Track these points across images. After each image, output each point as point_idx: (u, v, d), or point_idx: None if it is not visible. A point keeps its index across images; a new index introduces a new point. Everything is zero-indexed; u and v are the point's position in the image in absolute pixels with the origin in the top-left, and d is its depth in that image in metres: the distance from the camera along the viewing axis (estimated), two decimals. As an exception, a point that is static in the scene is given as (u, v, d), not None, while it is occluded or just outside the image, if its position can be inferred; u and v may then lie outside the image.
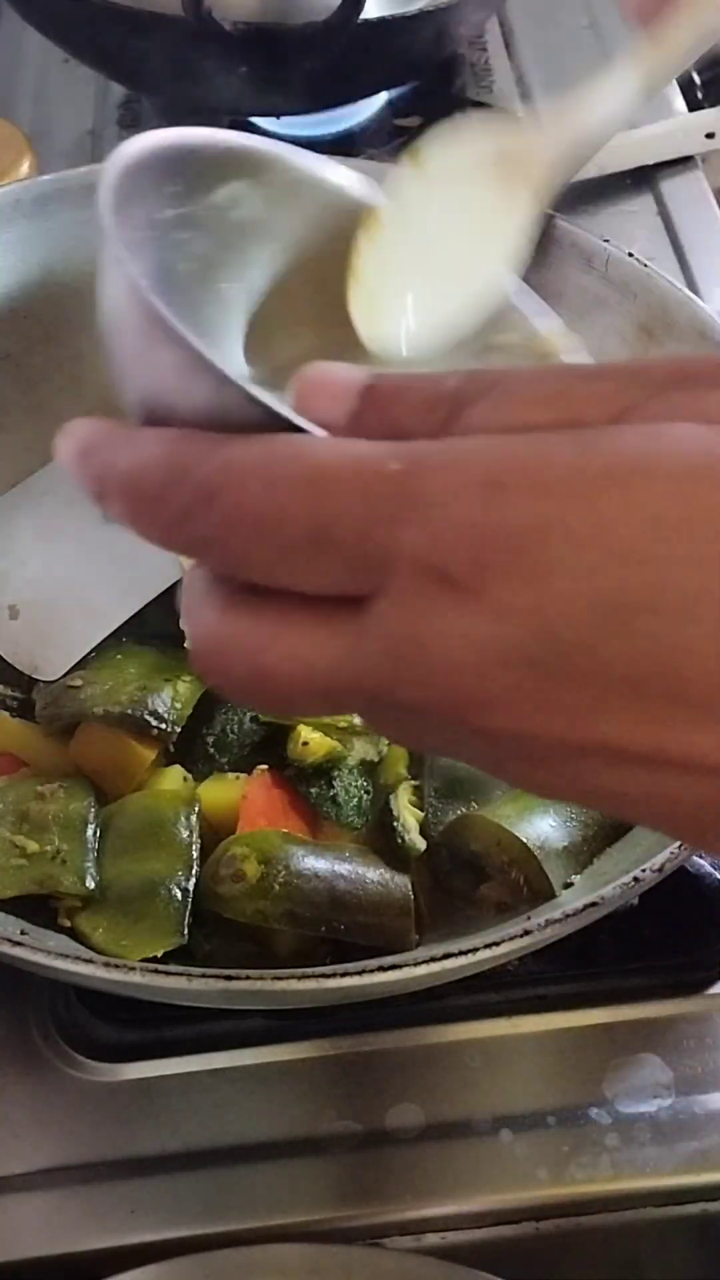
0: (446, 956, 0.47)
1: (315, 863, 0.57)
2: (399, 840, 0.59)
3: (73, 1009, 0.59)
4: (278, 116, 0.98)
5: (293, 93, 0.92)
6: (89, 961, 0.48)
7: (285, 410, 0.32)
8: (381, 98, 1.04)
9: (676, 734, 0.28)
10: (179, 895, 0.56)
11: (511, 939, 0.48)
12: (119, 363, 0.37)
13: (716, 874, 0.63)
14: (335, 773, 0.61)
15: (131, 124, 1.04)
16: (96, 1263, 0.53)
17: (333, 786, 0.60)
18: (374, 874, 0.57)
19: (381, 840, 0.60)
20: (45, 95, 1.07)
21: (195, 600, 0.33)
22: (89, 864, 0.57)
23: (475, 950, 0.47)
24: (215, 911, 0.56)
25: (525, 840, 0.57)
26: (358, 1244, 0.54)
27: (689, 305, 0.69)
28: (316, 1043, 0.58)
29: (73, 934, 0.56)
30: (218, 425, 0.32)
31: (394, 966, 0.47)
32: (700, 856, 0.63)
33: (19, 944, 0.48)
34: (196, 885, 0.57)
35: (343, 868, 0.57)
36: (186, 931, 0.55)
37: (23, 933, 0.51)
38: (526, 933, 0.48)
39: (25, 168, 0.89)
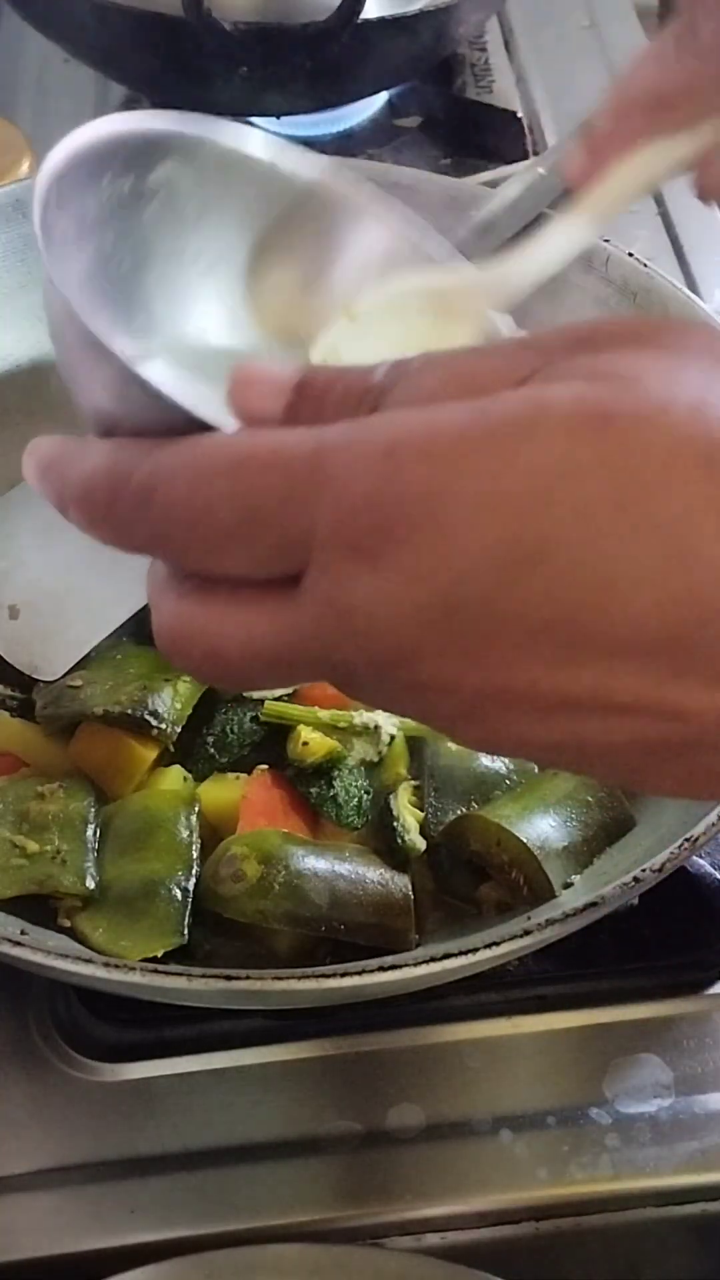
0: (446, 956, 0.47)
1: (315, 863, 0.57)
2: (399, 840, 0.59)
3: (73, 1009, 0.59)
4: (278, 116, 0.98)
5: (293, 93, 0.92)
6: (89, 961, 0.48)
7: (210, 413, 0.34)
8: (381, 98, 1.04)
9: (585, 677, 0.30)
10: (179, 895, 0.56)
11: (511, 939, 0.48)
12: (66, 377, 0.38)
13: (716, 874, 0.63)
14: (335, 773, 0.61)
15: (131, 124, 1.04)
16: (96, 1263, 0.53)
17: (333, 786, 0.60)
18: (374, 874, 0.57)
19: (381, 840, 0.60)
20: (45, 95, 1.07)
21: (155, 592, 0.36)
22: (89, 864, 0.57)
23: (475, 950, 0.47)
24: (215, 911, 0.56)
25: (525, 840, 0.57)
26: (358, 1244, 0.54)
27: (689, 305, 0.69)
28: (316, 1043, 0.58)
29: (72, 934, 0.56)
30: (154, 431, 0.34)
31: (394, 966, 0.47)
32: (700, 856, 0.63)
33: (19, 944, 0.48)
34: (196, 885, 0.57)
35: (343, 868, 0.57)
36: (186, 931, 0.55)
37: (23, 933, 0.51)
38: (526, 933, 0.48)
39: (25, 168, 0.89)
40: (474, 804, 0.61)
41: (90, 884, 0.56)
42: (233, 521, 0.32)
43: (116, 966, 0.47)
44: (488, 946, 0.47)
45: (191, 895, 0.56)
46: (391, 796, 0.61)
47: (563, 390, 0.30)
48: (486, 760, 0.62)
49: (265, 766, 0.61)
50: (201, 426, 0.34)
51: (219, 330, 0.55)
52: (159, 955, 0.54)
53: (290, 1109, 0.57)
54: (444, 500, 0.30)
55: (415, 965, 0.47)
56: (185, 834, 0.58)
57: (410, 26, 0.90)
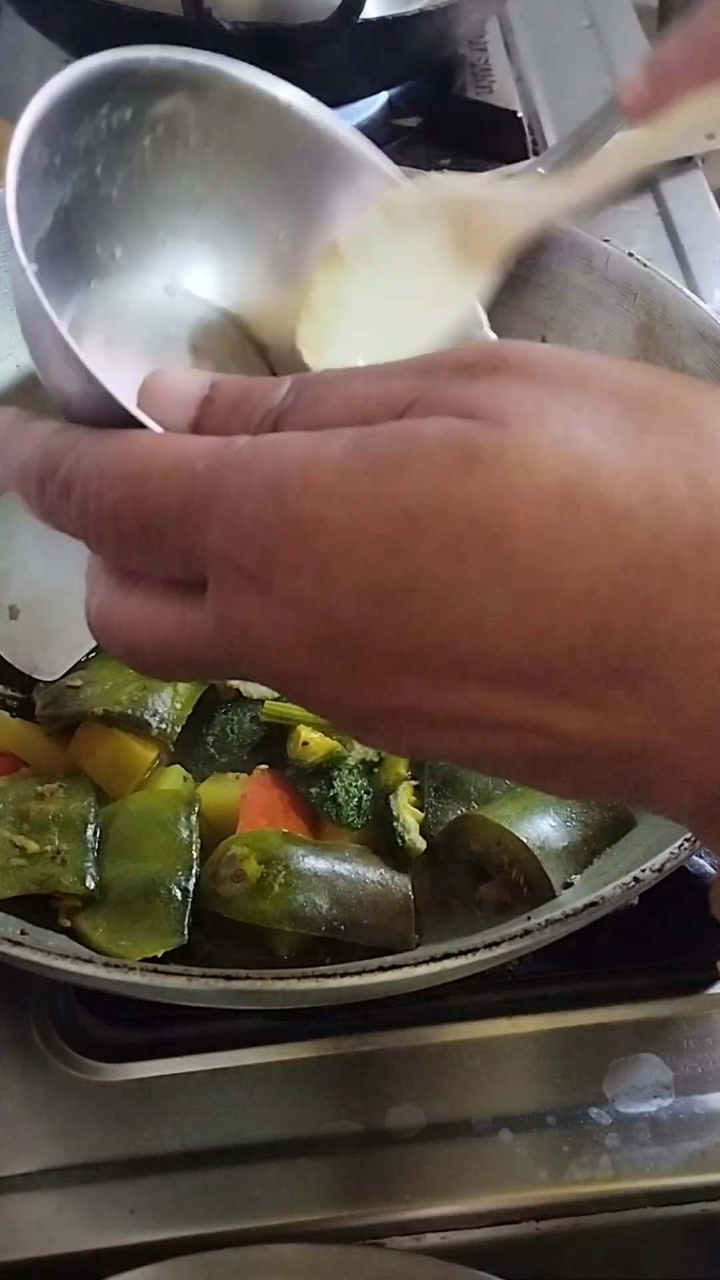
0: (446, 956, 0.47)
1: (315, 863, 0.57)
2: (399, 840, 0.59)
3: (73, 1009, 0.59)
4: (278, 116, 0.98)
5: (292, 93, 0.92)
6: (89, 961, 0.48)
7: (134, 408, 0.35)
8: (381, 98, 1.04)
9: (468, 697, 0.32)
10: (179, 895, 0.56)
11: (511, 939, 0.48)
12: (29, 350, 0.39)
13: (716, 874, 0.63)
14: (335, 773, 0.61)
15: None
16: (96, 1263, 0.53)
17: (333, 786, 0.60)
18: (374, 874, 0.57)
19: (381, 840, 0.60)
20: (45, 95, 1.07)
21: (89, 576, 0.37)
22: (89, 864, 0.57)
23: (475, 950, 0.47)
24: (216, 912, 0.56)
25: (525, 840, 0.57)
26: (358, 1244, 0.54)
27: (689, 305, 0.69)
28: (316, 1043, 0.58)
29: (72, 934, 0.56)
30: (95, 416, 0.36)
31: (394, 966, 0.47)
32: (700, 856, 0.63)
33: (19, 944, 0.48)
34: (196, 885, 0.57)
35: (343, 868, 0.57)
36: (186, 932, 0.55)
37: (23, 933, 0.51)
38: (527, 933, 0.48)
39: (25, 168, 0.89)
40: (474, 804, 0.61)
41: (90, 884, 0.56)
42: (134, 529, 0.34)
43: (116, 966, 0.47)
44: (488, 947, 0.47)
45: (191, 895, 0.56)
46: (391, 796, 0.61)
47: (434, 427, 0.31)
48: None
49: (265, 766, 0.61)
50: (132, 421, 0.35)
51: (203, 272, 0.54)
52: (159, 955, 0.54)
53: (290, 1109, 0.57)
54: (322, 531, 0.31)
55: (415, 965, 0.47)
56: (185, 834, 0.58)
57: (410, 26, 0.90)
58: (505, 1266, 0.52)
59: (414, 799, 0.61)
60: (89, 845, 0.58)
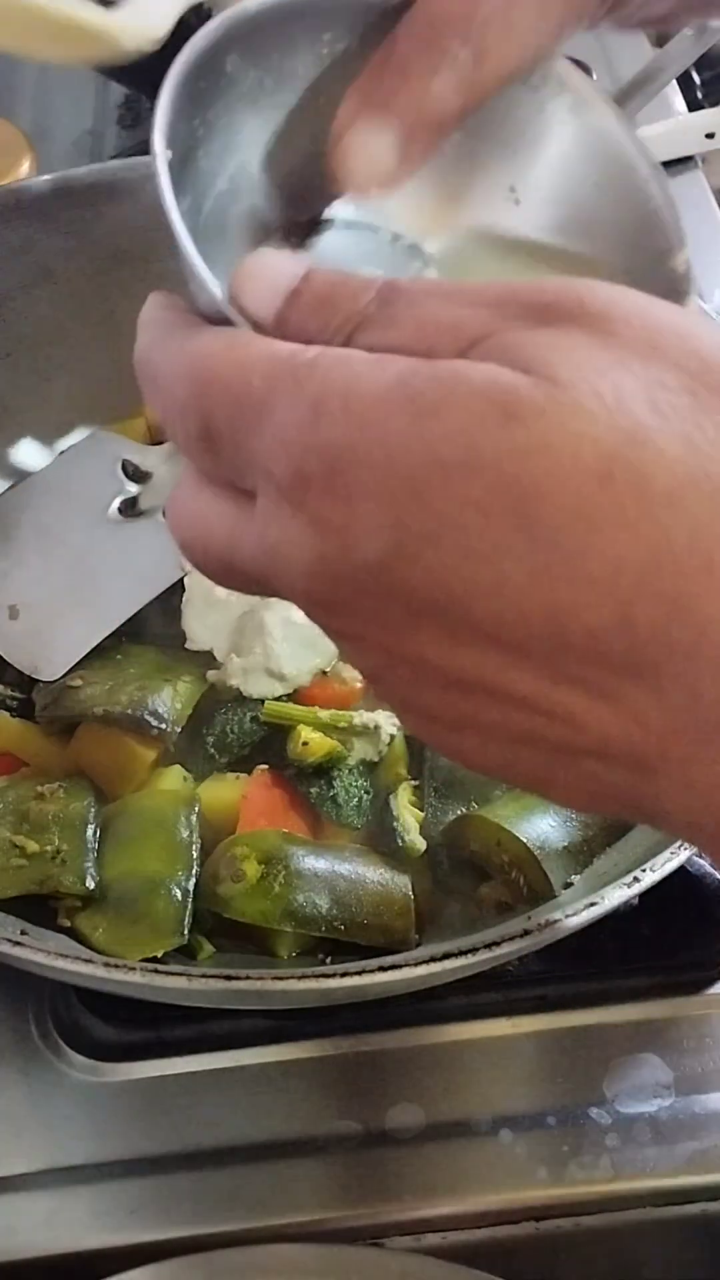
0: (446, 956, 0.47)
1: (315, 863, 0.57)
2: (399, 840, 0.59)
3: (73, 1009, 0.59)
4: (278, 116, 0.98)
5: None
6: (89, 961, 0.48)
7: (224, 303, 0.35)
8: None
9: (483, 662, 0.30)
10: (179, 895, 0.56)
11: (511, 939, 0.48)
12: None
13: (716, 874, 0.63)
14: (335, 773, 0.61)
15: (132, 124, 1.04)
16: (96, 1263, 0.53)
17: (333, 786, 0.60)
18: (374, 874, 0.57)
19: (382, 840, 0.60)
20: (45, 95, 1.07)
21: (184, 468, 0.37)
22: (89, 864, 0.57)
23: (475, 950, 0.47)
24: (216, 912, 0.56)
25: (525, 840, 0.57)
26: (358, 1244, 0.54)
27: (691, 306, 0.69)
28: (316, 1043, 0.58)
29: (72, 934, 0.56)
30: (202, 309, 0.36)
31: (394, 966, 0.47)
32: (700, 856, 0.63)
33: (19, 944, 0.48)
34: (196, 885, 0.57)
35: (343, 868, 0.57)
36: (186, 932, 0.55)
37: (23, 932, 0.51)
38: (526, 933, 0.48)
39: (25, 168, 0.89)
40: (474, 804, 0.61)
41: (90, 884, 0.56)
42: (198, 433, 0.33)
43: (116, 966, 0.47)
44: (487, 947, 0.47)
45: (191, 896, 0.56)
46: (391, 796, 0.61)
47: (481, 374, 0.30)
48: None
49: (265, 766, 0.61)
50: (223, 319, 0.35)
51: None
52: (159, 955, 0.54)
53: (290, 1109, 0.57)
54: (353, 462, 0.30)
55: (415, 965, 0.47)
56: (185, 834, 0.58)
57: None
58: (505, 1266, 0.52)
59: (414, 799, 0.61)
60: (89, 845, 0.58)
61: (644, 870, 0.50)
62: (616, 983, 0.61)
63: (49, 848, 0.57)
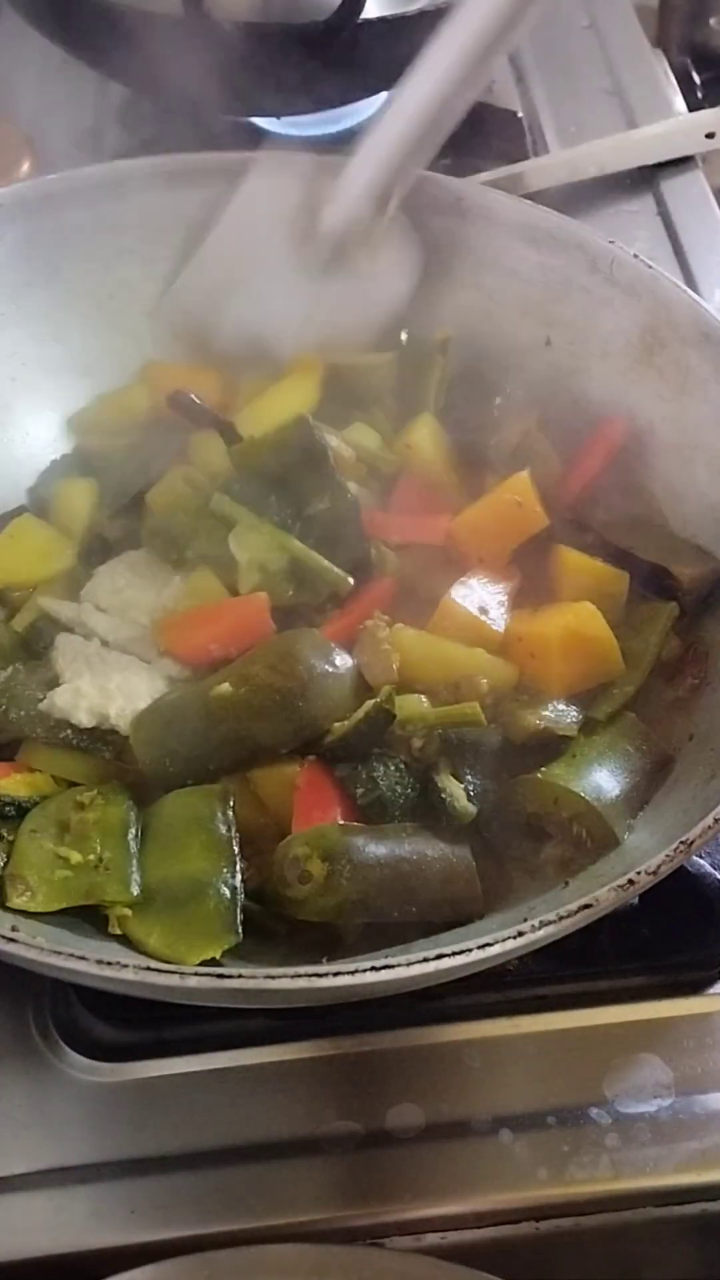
0: (440, 957, 0.47)
1: (377, 850, 0.57)
2: (450, 809, 0.59)
3: (73, 1009, 0.59)
4: (278, 116, 0.98)
5: (293, 93, 0.92)
6: (82, 958, 0.48)
7: None
8: (381, 98, 1.03)
9: None
10: (227, 894, 0.55)
11: (505, 940, 0.48)
12: None
13: (716, 874, 0.63)
14: (378, 770, 0.60)
15: (132, 124, 1.04)
16: (96, 1263, 0.53)
17: (378, 786, 0.60)
18: (435, 850, 0.58)
19: (424, 816, 0.60)
20: (45, 95, 1.07)
21: None
22: (132, 870, 0.56)
23: (469, 951, 0.47)
24: (288, 914, 0.56)
25: (583, 795, 0.58)
26: (358, 1244, 0.54)
27: (694, 307, 0.69)
28: (316, 1043, 0.58)
29: (126, 942, 0.56)
30: None
31: (387, 967, 0.47)
32: (700, 856, 0.63)
33: (12, 940, 0.48)
34: (262, 890, 0.57)
35: (404, 849, 0.57)
36: (240, 929, 0.55)
37: (14, 929, 0.51)
38: (520, 934, 0.48)
39: (25, 168, 0.90)
40: (504, 774, 0.61)
41: (135, 890, 0.56)
42: None
43: (109, 964, 0.47)
44: (481, 947, 0.47)
45: (240, 892, 0.56)
46: (433, 771, 0.61)
47: None
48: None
49: (313, 757, 0.61)
50: None
51: None
52: (217, 956, 0.54)
53: (290, 1109, 0.57)
54: None
55: (409, 965, 0.47)
56: (223, 830, 0.57)
57: (410, 26, 0.89)
58: (505, 1266, 0.52)
59: (453, 771, 0.61)
60: (130, 850, 0.57)
61: (639, 873, 0.50)
62: (616, 983, 0.61)
63: (91, 856, 0.57)
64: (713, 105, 1.04)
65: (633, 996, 0.61)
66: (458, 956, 0.47)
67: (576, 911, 0.49)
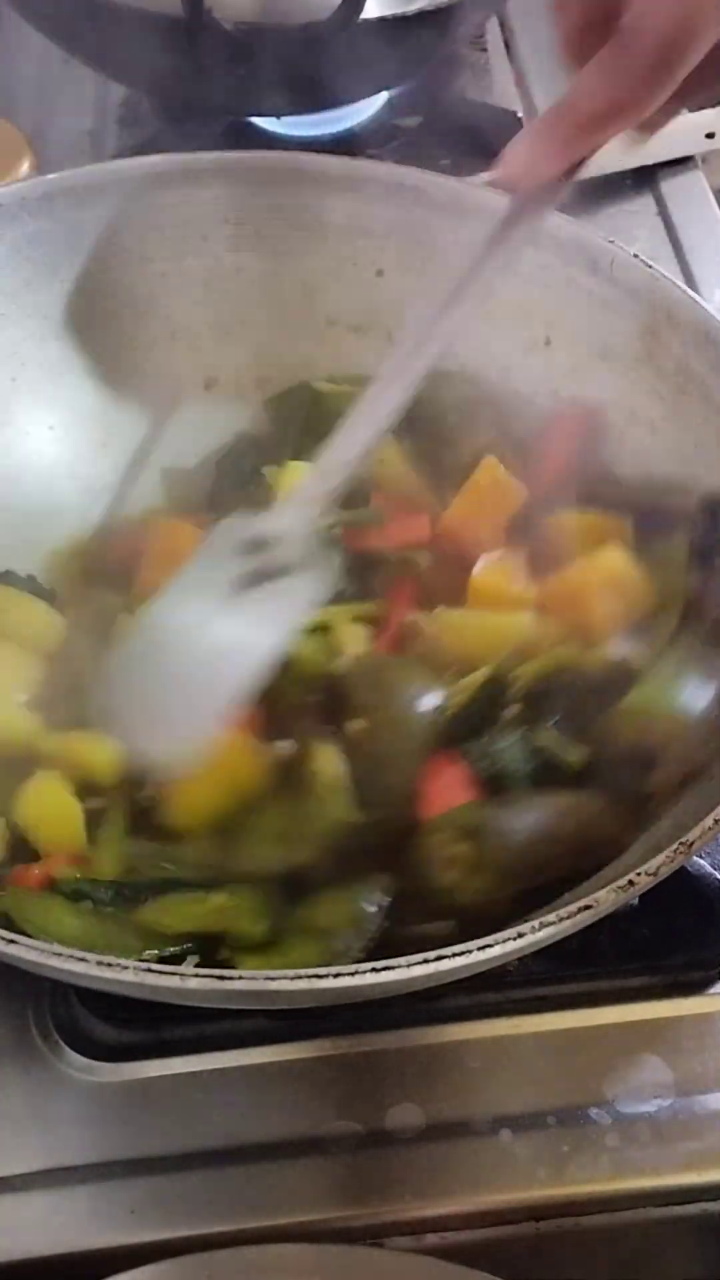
0: (440, 958, 0.47)
1: (516, 819, 0.57)
2: (559, 760, 0.60)
3: (73, 1009, 0.59)
4: (278, 116, 0.98)
5: (293, 93, 0.92)
6: (82, 960, 0.48)
7: None
8: (381, 98, 1.04)
9: None
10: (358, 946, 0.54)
11: (505, 941, 0.48)
12: None
13: (716, 874, 0.63)
14: (498, 744, 0.61)
15: (132, 124, 1.04)
16: (96, 1263, 0.53)
17: (498, 760, 0.60)
18: (564, 801, 0.58)
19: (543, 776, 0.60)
20: (45, 95, 1.07)
21: None
22: (267, 919, 0.55)
23: (469, 952, 0.47)
24: (443, 907, 0.56)
25: (673, 710, 0.59)
26: (358, 1244, 0.54)
27: (694, 308, 0.69)
28: (316, 1043, 0.58)
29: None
30: None
31: (387, 968, 0.47)
32: (700, 856, 0.63)
33: (12, 941, 0.48)
34: (414, 883, 0.57)
35: (540, 812, 0.58)
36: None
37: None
38: (520, 935, 0.48)
39: (25, 168, 0.90)
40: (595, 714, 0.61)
41: (262, 927, 0.55)
42: None
43: (109, 965, 0.47)
44: (481, 949, 0.47)
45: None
46: (531, 730, 0.61)
47: None
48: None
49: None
50: None
51: None
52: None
53: (290, 1109, 0.57)
54: None
55: (408, 967, 0.47)
56: (371, 910, 0.56)
57: (410, 26, 0.89)
58: (505, 1266, 0.52)
59: (550, 726, 0.61)
60: (274, 902, 0.56)
61: (639, 874, 0.50)
62: (616, 983, 0.61)
63: (236, 900, 0.56)
64: (713, 105, 1.04)
65: (633, 996, 0.61)
66: (458, 958, 0.47)
67: (577, 912, 0.48)
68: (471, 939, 0.47)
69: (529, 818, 0.58)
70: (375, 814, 0.60)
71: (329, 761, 0.61)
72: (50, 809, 0.61)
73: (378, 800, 0.60)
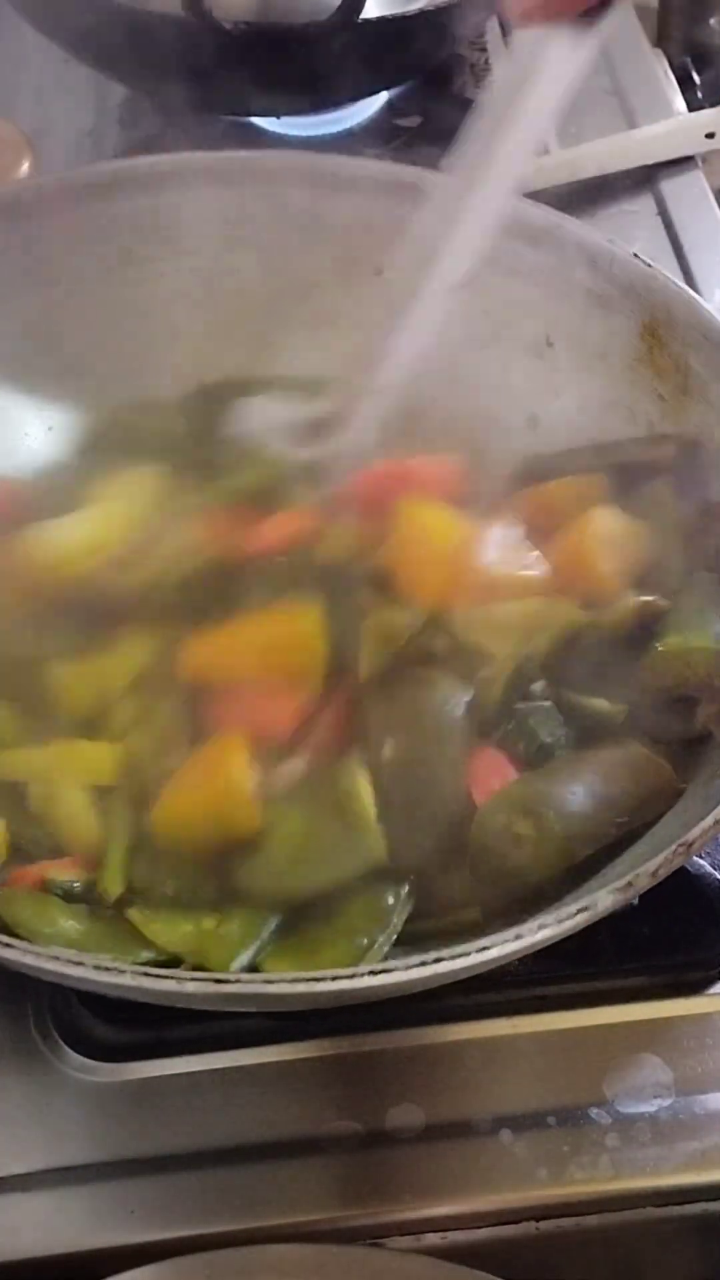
0: (438, 960, 0.47)
1: (568, 786, 0.57)
2: (598, 718, 0.60)
3: (73, 1009, 0.59)
4: (278, 116, 0.98)
5: (293, 93, 0.92)
6: (79, 964, 0.48)
7: None
8: (381, 98, 1.04)
9: None
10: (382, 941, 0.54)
11: (503, 943, 0.48)
12: None
13: (716, 874, 0.63)
14: (530, 722, 0.61)
15: (132, 124, 1.04)
16: (96, 1263, 0.53)
17: (537, 736, 0.60)
18: (612, 756, 0.59)
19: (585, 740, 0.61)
20: (45, 95, 1.07)
21: None
22: (246, 953, 0.54)
23: (468, 954, 0.47)
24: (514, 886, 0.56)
25: (710, 644, 0.59)
26: (358, 1244, 0.54)
27: (694, 307, 0.69)
28: (316, 1043, 0.58)
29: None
30: None
31: (385, 971, 0.47)
32: (700, 857, 0.63)
33: (10, 946, 0.48)
34: (483, 867, 0.57)
35: (591, 772, 0.58)
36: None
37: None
38: (519, 936, 0.48)
39: (25, 168, 0.90)
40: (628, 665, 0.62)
41: (236, 966, 0.53)
42: None
43: (107, 969, 0.47)
44: (480, 950, 0.47)
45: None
46: (566, 698, 0.61)
47: None
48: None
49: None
50: None
51: None
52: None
53: (290, 1109, 0.57)
54: None
55: (406, 969, 0.47)
56: (390, 901, 0.56)
57: (410, 26, 0.90)
58: (505, 1266, 0.52)
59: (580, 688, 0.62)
60: (264, 933, 0.55)
61: (638, 874, 0.50)
62: (616, 983, 0.61)
63: (222, 930, 0.55)
64: (713, 105, 1.04)
65: (633, 996, 0.61)
66: (457, 960, 0.47)
67: (575, 914, 0.48)
68: (498, 925, 0.48)
69: (582, 779, 0.58)
70: (415, 855, 0.58)
71: (362, 790, 0.59)
72: (63, 810, 0.61)
73: (417, 840, 0.58)
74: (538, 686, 0.62)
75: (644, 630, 0.63)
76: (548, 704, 0.61)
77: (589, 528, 0.67)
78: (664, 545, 0.67)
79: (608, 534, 0.67)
